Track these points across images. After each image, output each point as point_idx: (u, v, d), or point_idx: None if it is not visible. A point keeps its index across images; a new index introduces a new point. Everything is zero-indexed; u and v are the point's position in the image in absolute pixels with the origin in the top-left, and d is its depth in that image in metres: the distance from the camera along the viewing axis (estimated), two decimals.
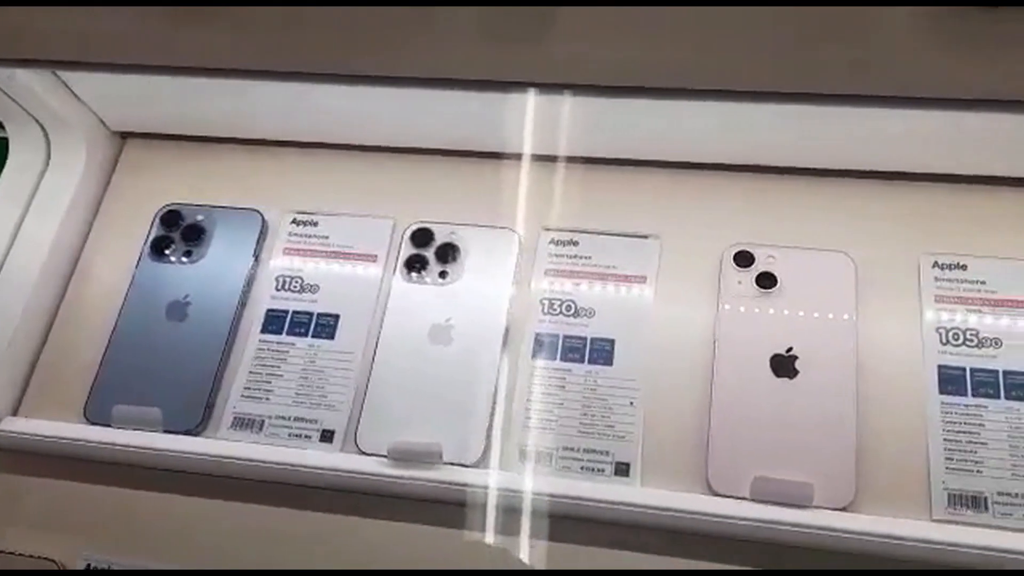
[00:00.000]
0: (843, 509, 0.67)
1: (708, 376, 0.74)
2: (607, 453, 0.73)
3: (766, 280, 0.76)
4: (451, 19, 0.65)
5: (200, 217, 0.87)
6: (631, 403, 0.74)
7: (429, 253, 0.82)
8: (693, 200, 0.82)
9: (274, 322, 0.82)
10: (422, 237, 0.83)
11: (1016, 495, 0.66)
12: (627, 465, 0.72)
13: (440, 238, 0.83)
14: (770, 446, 0.70)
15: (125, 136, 0.95)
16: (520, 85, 0.73)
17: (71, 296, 0.86)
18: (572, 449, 0.73)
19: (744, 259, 0.77)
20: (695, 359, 0.75)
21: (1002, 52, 0.57)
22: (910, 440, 0.70)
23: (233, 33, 0.73)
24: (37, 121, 0.88)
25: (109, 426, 0.78)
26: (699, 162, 0.83)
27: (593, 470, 0.72)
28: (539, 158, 0.85)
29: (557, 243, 0.81)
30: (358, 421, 0.76)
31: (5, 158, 0.90)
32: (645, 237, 0.81)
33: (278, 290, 0.83)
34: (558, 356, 0.77)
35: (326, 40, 0.72)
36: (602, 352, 0.76)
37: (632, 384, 0.75)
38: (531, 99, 0.77)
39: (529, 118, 0.80)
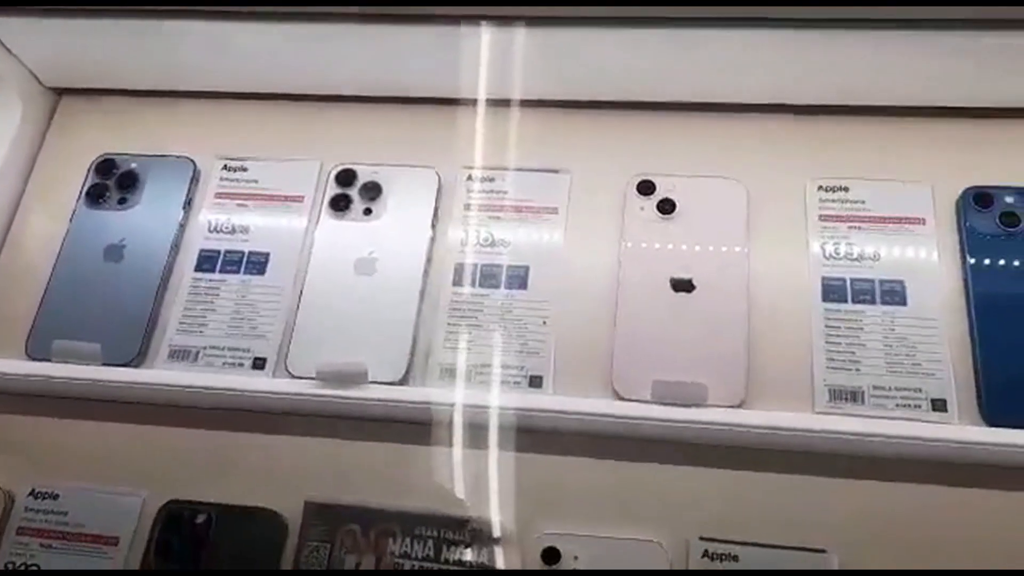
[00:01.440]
0: (736, 407, 0.73)
1: (614, 297, 0.79)
2: (521, 368, 0.78)
3: (666, 205, 0.82)
4: None
5: (133, 165, 0.91)
6: (543, 322, 0.80)
7: (353, 192, 0.87)
8: (601, 136, 0.88)
9: (207, 261, 0.86)
10: (346, 177, 0.88)
11: (889, 388, 0.73)
12: (540, 377, 0.77)
13: (363, 177, 0.87)
14: (668, 354, 0.76)
15: (60, 92, 0.97)
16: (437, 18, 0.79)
17: (9, 245, 0.90)
18: (488, 366, 0.78)
19: (646, 187, 0.83)
20: (602, 282, 0.81)
21: None
22: (796, 345, 0.76)
23: None
24: None
25: (49, 360, 0.82)
26: (607, 100, 0.88)
27: (509, 383, 0.77)
28: (460, 101, 0.90)
29: (475, 179, 0.87)
30: (288, 348, 0.81)
31: None
32: (556, 172, 0.86)
33: (211, 232, 0.88)
34: (477, 283, 0.82)
35: None
36: (517, 278, 0.82)
37: (545, 306, 0.80)
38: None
39: (447, 60, 0.85)
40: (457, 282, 0.82)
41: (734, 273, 0.78)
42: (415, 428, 0.76)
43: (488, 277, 0.82)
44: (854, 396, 0.73)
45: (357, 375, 0.77)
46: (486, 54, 0.83)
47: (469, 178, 0.87)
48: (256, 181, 0.90)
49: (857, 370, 0.74)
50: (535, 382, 0.77)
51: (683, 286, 0.78)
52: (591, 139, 0.88)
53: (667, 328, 0.77)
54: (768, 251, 0.80)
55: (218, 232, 0.87)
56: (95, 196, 0.89)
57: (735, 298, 0.77)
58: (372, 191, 0.86)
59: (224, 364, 0.81)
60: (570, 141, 0.88)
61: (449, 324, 0.80)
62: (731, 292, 0.77)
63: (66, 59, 0.93)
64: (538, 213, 0.85)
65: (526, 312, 0.80)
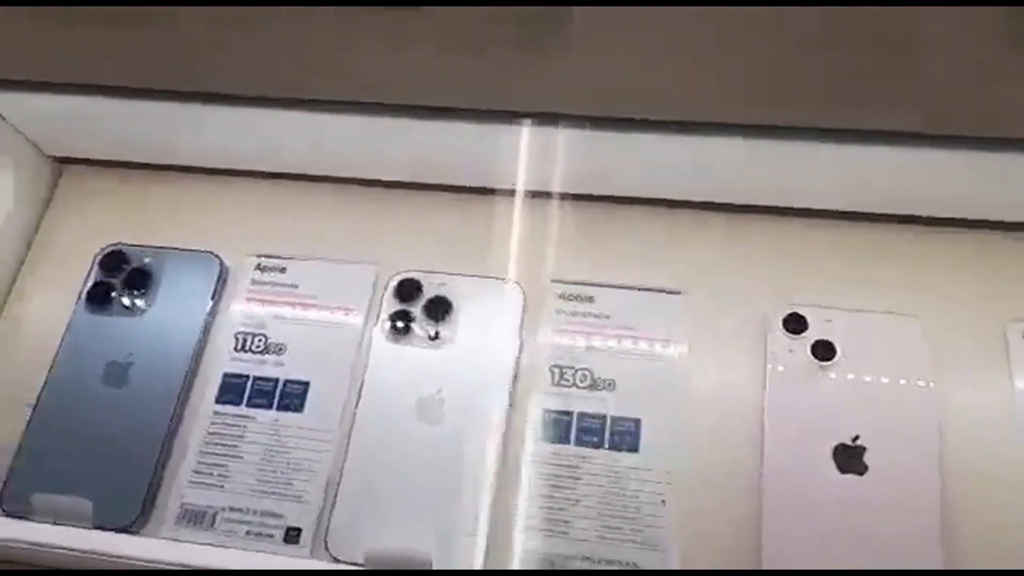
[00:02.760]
0: None
1: (755, 469, 0.61)
2: (634, 564, 0.60)
3: (824, 350, 0.63)
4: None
5: (147, 260, 0.73)
6: (662, 501, 0.61)
7: (417, 309, 0.69)
8: (726, 248, 0.69)
9: (232, 390, 0.69)
10: (408, 290, 0.70)
11: None
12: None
13: (429, 291, 0.70)
14: (838, 546, 0.57)
15: (62, 162, 0.81)
16: (516, 115, 0.61)
17: None
18: (588, 558, 0.60)
19: (796, 324, 0.64)
20: (739, 446, 0.62)
21: None
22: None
23: (181, 49, 0.61)
24: None
25: (27, 519, 0.64)
26: (729, 203, 0.70)
27: None
28: (539, 195, 0.72)
29: (568, 298, 0.68)
30: (330, 518, 0.63)
31: None
32: (672, 292, 0.68)
33: (237, 350, 0.70)
34: (572, 439, 0.64)
35: (288, 59, 0.59)
36: (626, 435, 0.63)
37: (663, 477, 0.62)
38: (526, 130, 0.65)
39: (525, 149, 0.67)
40: (549, 437, 0.64)
41: (919, 444, 0.59)
42: None
43: (588, 432, 0.64)
44: None
45: (418, 563, 0.59)
46: (571, 141, 0.65)
47: (562, 296, 0.68)
48: (295, 286, 0.72)
49: None
50: None
51: (851, 460, 0.59)
52: (715, 251, 0.70)
53: (832, 514, 0.58)
54: (964, 413, 0.61)
55: (247, 351, 0.70)
56: (99, 297, 0.72)
57: (922, 480, 0.58)
58: (440, 309, 0.69)
59: (248, 533, 0.64)
60: (687, 253, 0.70)
61: (542, 497, 0.62)
62: (916, 465, 0.58)
63: (69, 125, 0.76)
64: (650, 346, 0.66)
65: (638, 483, 0.62)
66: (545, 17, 0.52)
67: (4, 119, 0.74)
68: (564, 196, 0.72)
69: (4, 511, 0.65)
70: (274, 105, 0.64)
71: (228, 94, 0.66)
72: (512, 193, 0.73)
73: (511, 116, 0.64)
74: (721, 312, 0.67)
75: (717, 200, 0.70)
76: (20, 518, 0.65)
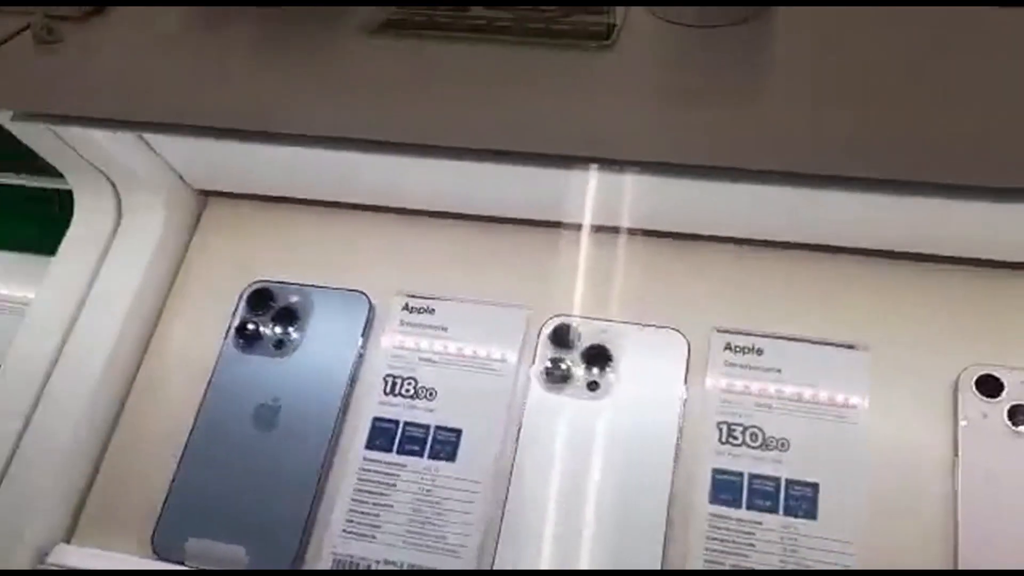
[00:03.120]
0: None
1: (951, 544, 0.56)
2: None
3: (1022, 416, 0.58)
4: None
5: (294, 298, 0.72)
6: None
7: (574, 356, 0.66)
8: (913, 299, 0.65)
9: (382, 435, 0.67)
10: (565, 336, 0.67)
11: None
12: None
13: (588, 338, 0.67)
14: None
15: (208, 195, 0.80)
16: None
17: (140, 391, 0.72)
18: None
19: (990, 386, 0.59)
20: (927, 518, 0.58)
21: None
22: None
23: (338, 99, 0.59)
24: (107, 178, 0.74)
25: (182, 563, 0.63)
26: (915, 252, 0.66)
27: None
28: (698, 238, 0.69)
29: (735, 350, 0.65)
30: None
31: (64, 214, 0.76)
32: (852, 348, 0.64)
33: (386, 393, 0.68)
34: (743, 503, 0.60)
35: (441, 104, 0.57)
36: (803, 501, 0.59)
37: (845, 548, 0.58)
38: None
39: (683, 194, 0.64)
40: (717, 499, 0.60)
41: None
42: None
43: (760, 496, 0.60)
44: None
45: None
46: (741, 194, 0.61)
47: (727, 347, 0.65)
48: (445, 328, 0.70)
49: None
50: None
51: None
52: (898, 302, 0.65)
53: None
54: None
55: (397, 395, 0.68)
56: (247, 336, 0.71)
57: None
58: (599, 359, 0.66)
59: None
60: (866, 303, 0.65)
61: (707, 551, 0.59)
62: None
63: (215, 159, 0.76)
64: (827, 403, 0.62)
65: (818, 553, 0.58)
66: None
67: (154, 151, 0.74)
68: (726, 240, 0.69)
69: (157, 555, 0.64)
70: (409, 151, 0.62)
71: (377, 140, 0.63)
72: (669, 235, 0.70)
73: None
74: (904, 368, 0.62)
75: (895, 248, 0.65)
76: (175, 561, 0.63)
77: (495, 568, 0.61)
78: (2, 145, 0.71)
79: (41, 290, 0.73)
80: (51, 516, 0.66)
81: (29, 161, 0.72)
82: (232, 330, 0.71)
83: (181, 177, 0.78)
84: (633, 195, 0.66)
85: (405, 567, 0.62)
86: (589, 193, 0.67)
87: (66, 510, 0.67)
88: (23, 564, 0.64)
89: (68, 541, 0.67)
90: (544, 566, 0.60)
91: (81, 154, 0.70)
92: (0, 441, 0.67)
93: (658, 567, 0.59)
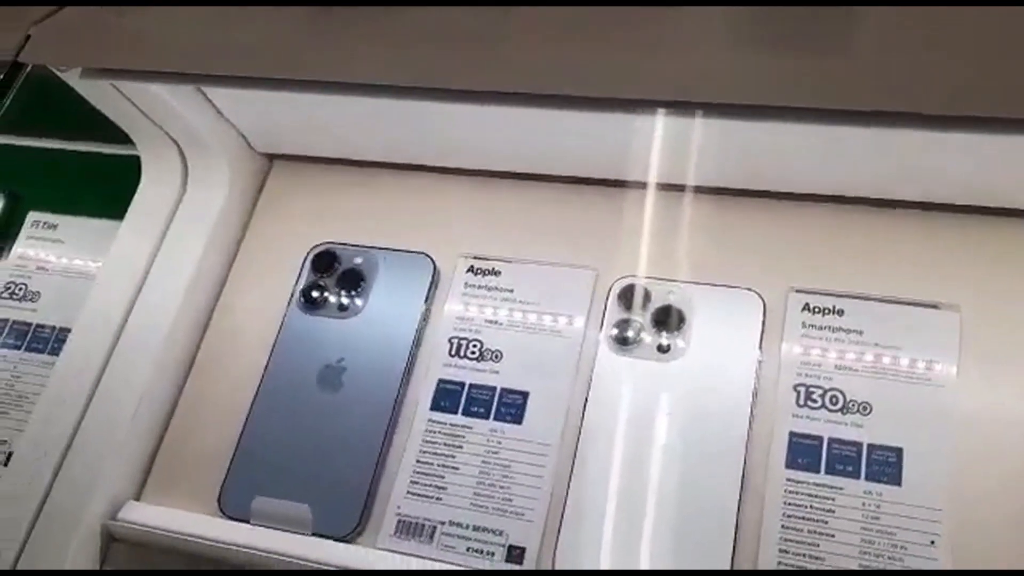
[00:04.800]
0: None
1: None
2: None
3: None
4: None
5: (359, 260, 0.71)
6: (931, 543, 0.54)
7: (643, 318, 0.64)
8: (1006, 257, 0.61)
9: (447, 397, 0.66)
10: (633, 297, 0.65)
11: None
12: None
13: (657, 299, 0.65)
14: None
15: (272, 158, 0.80)
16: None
17: (207, 352, 0.72)
18: None
19: None
20: (1020, 488, 0.54)
21: None
22: None
23: (390, 45, 0.57)
24: (173, 140, 0.74)
25: (247, 522, 0.63)
26: (1010, 207, 0.62)
27: None
28: (770, 195, 0.66)
29: (815, 311, 0.62)
30: (557, 536, 0.59)
31: (133, 180, 0.76)
32: (934, 307, 0.60)
33: (452, 355, 0.67)
34: (821, 467, 0.58)
35: (512, 53, 0.55)
36: (885, 466, 0.57)
37: (932, 515, 0.55)
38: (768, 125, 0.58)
39: (761, 147, 0.61)
40: (794, 463, 0.58)
41: None
42: None
43: (840, 460, 0.57)
44: None
45: None
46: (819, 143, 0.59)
47: (806, 308, 0.62)
48: (511, 290, 0.68)
49: None
50: None
51: None
52: (992, 259, 0.61)
53: None
54: None
55: (462, 357, 0.67)
56: (312, 298, 0.70)
57: None
58: (669, 321, 0.64)
59: (468, 550, 0.61)
60: (955, 259, 0.62)
61: (787, 530, 0.56)
62: None
63: (280, 121, 0.75)
64: (912, 367, 0.59)
65: (902, 520, 0.55)
66: None
67: (220, 113, 0.73)
68: (804, 197, 0.66)
69: (224, 514, 0.64)
70: (486, 99, 0.60)
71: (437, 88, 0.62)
72: (742, 193, 0.67)
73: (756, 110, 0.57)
74: (995, 330, 0.59)
75: (987, 204, 0.62)
76: (240, 521, 0.63)
77: (562, 529, 0.59)
78: (74, 112, 0.72)
79: (109, 255, 0.73)
80: (121, 475, 0.67)
81: (100, 129, 0.72)
82: (297, 292, 0.71)
83: (246, 140, 0.77)
84: (704, 149, 0.63)
85: (471, 528, 0.61)
86: (658, 147, 0.64)
87: (135, 469, 0.68)
88: (94, 521, 0.64)
89: (138, 499, 0.67)
90: (611, 532, 0.59)
91: (148, 115, 0.70)
92: (71, 403, 0.67)
93: (732, 534, 0.57)
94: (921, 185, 0.62)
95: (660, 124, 0.62)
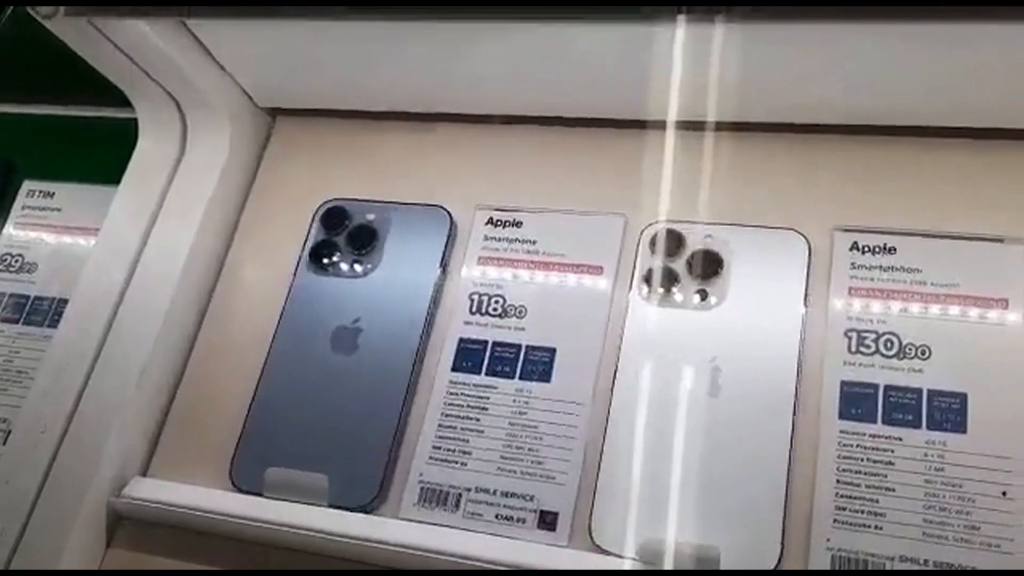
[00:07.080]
0: None
1: None
2: (967, 567, 0.49)
3: None
4: None
5: (370, 216, 0.67)
6: (1003, 493, 0.50)
7: (679, 265, 0.60)
8: None
9: (469, 357, 0.61)
10: (668, 242, 0.60)
11: None
12: None
13: (693, 244, 0.60)
14: None
15: (275, 113, 0.75)
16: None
17: (213, 318, 0.68)
18: (913, 560, 0.50)
19: None
20: None
21: None
22: None
23: None
24: (171, 96, 0.69)
25: (261, 495, 0.59)
26: None
27: None
28: (806, 128, 0.61)
29: (864, 250, 0.57)
30: (592, 502, 0.55)
31: (132, 144, 0.72)
32: (999, 241, 0.56)
33: (472, 313, 0.63)
34: (878, 417, 0.53)
35: None
36: (949, 413, 0.52)
37: (1003, 465, 0.50)
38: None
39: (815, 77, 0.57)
40: (848, 414, 0.53)
41: None
42: None
43: (899, 409, 0.53)
44: None
45: (707, 560, 0.50)
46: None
47: (854, 247, 0.57)
48: (534, 242, 0.64)
49: None
50: None
51: None
52: None
53: None
54: None
55: (483, 314, 0.62)
56: (321, 257, 0.66)
57: None
58: (708, 266, 0.59)
59: (497, 517, 0.56)
60: (1014, 189, 0.57)
61: (844, 486, 0.52)
62: None
63: (282, 73, 0.71)
64: (973, 306, 0.54)
65: (970, 471, 0.50)
66: None
67: (219, 65, 0.69)
68: (845, 129, 0.61)
69: (236, 487, 0.60)
70: (495, 14, 0.55)
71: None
72: (777, 127, 0.63)
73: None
74: None
75: None
76: (253, 494, 0.59)
77: (597, 492, 0.55)
78: (69, 76, 0.68)
79: (107, 220, 0.69)
80: (126, 450, 0.63)
81: (98, 93, 0.69)
82: (306, 251, 0.67)
83: (248, 94, 0.73)
84: (730, 79, 0.58)
85: (499, 494, 0.57)
86: (678, 77, 0.59)
87: (141, 443, 0.64)
88: (99, 499, 0.61)
89: (144, 474, 0.63)
90: (651, 495, 0.54)
91: (144, 68, 0.66)
92: (71, 376, 0.64)
93: (782, 492, 0.53)
94: (972, 110, 0.57)
95: (680, 46, 0.57)
